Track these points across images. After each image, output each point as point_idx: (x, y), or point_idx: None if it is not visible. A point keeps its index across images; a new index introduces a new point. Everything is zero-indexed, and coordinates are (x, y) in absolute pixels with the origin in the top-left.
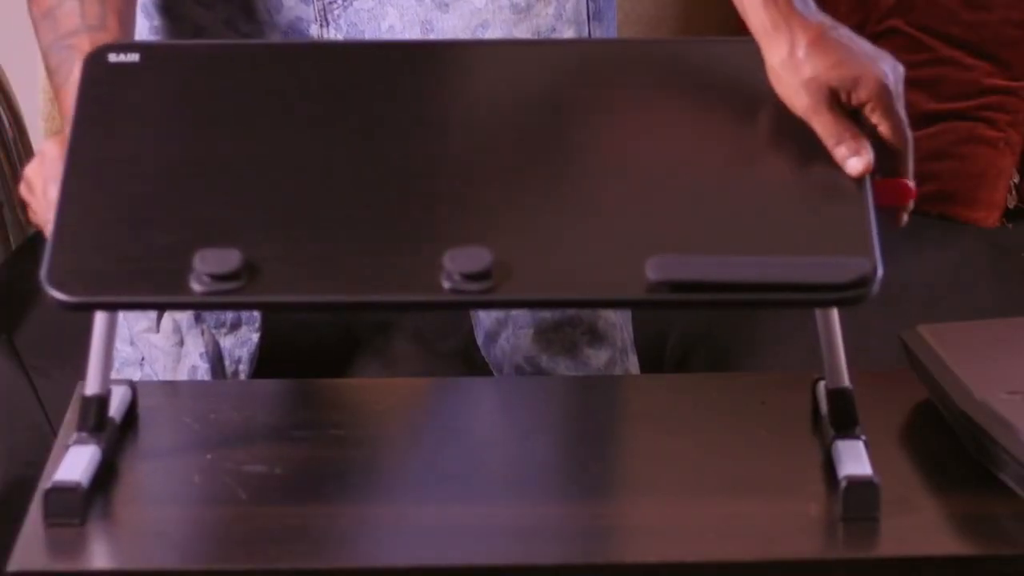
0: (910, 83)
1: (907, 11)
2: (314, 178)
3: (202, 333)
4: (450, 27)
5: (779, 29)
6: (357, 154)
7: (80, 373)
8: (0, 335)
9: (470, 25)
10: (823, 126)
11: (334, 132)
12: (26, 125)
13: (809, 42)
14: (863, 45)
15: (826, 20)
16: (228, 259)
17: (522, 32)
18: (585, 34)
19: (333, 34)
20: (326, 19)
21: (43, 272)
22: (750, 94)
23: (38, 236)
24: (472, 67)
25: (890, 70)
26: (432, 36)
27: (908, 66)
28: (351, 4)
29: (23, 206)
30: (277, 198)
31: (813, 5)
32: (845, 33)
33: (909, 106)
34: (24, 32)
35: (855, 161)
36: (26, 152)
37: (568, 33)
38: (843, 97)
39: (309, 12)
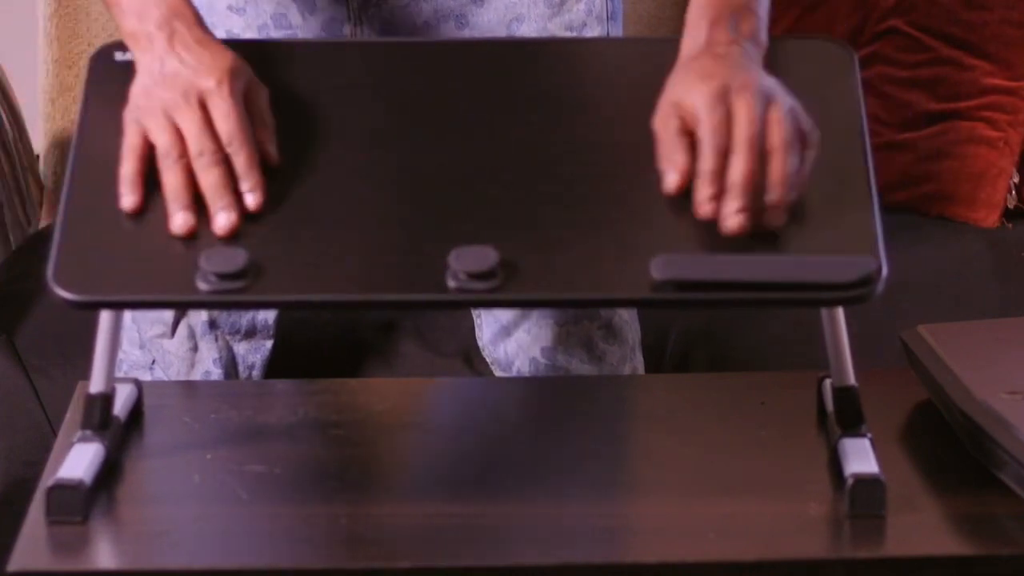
0: (910, 83)
1: (907, 11)
2: (320, 177)
3: (216, 339)
4: (485, 21)
5: (686, 36)
6: (363, 153)
7: (80, 373)
8: (0, 335)
9: (504, 19)
10: (658, 139)
11: (340, 131)
12: (26, 125)
13: (686, 58)
14: (732, 71)
15: (722, 39)
16: (234, 258)
17: (555, 27)
18: (606, 32)
19: (367, 32)
20: (360, 18)
21: (49, 271)
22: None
23: (39, 236)
24: (478, 66)
25: (714, 102)
26: (466, 31)
27: (908, 66)
28: (385, 1)
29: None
30: (283, 197)
31: (749, 22)
32: (730, 54)
33: (909, 106)
34: (24, 32)
35: (669, 177)
36: (26, 152)
37: (597, 29)
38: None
39: (342, 11)
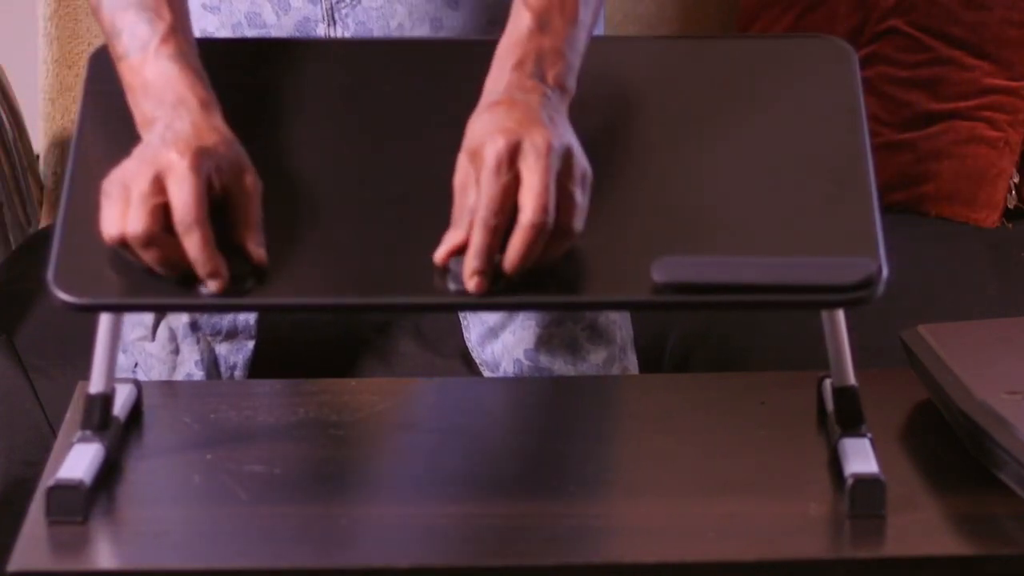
0: (910, 83)
1: (907, 11)
2: (319, 180)
3: (198, 341)
4: (460, 24)
5: (489, 78)
6: (361, 155)
7: (80, 373)
8: (0, 335)
9: (480, 22)
10: (454, 197)
11: (339, 133)
12: (26, 125)
13: (484, 104)
14: (528, 125)
15: (524, 86)
16: (233, 262)
17: None
18: None
19: (340, 33)
20: (333, 18)
21: (49, 273)
22: (755, 94)
23: (39, 236)
24: (477, 66)
25: (499, 167)
26: (442, 33)
27: (908, 66)
28: (359, 3)
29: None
30: (282, 200)
31: (556, 68)
32: (528, 102)
33: (909, 106)
34: (24, 32)
35: (441, 248)
36: (26, 152)
37: None
38: None
39: (317, 12)
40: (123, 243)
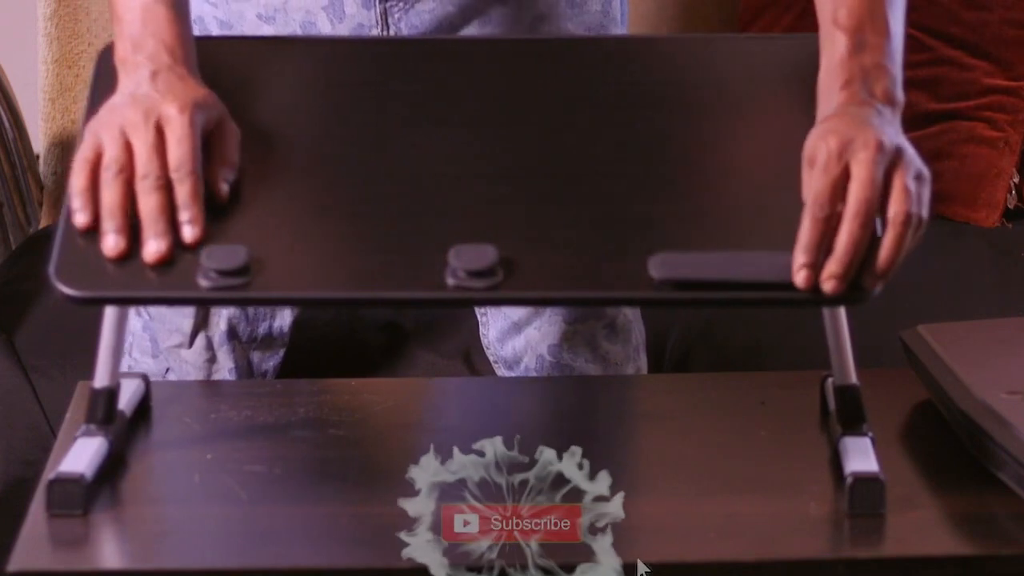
0: (910, 83)
1: (907, 11)
2: (321, 175)
3: (233, 349)
4: (506, 18)
5: (820, 103)
6: (363, 151)
7: (80, 373)
8: (0, 335)
9: (527, 17)
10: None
11: (340, 129)
12: (26, 125)
13: (818, 122)
14: (859, 128)
15: (854, 102)
16: (235, 255)
17: (575, 27)
18: (617, 31)
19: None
20: (387, 23)
21: (51, 267)
22: (757, 93)
23: (39, 236)
24: (480, 64)
25: (830, 161)
26: (489, 27)
27: (908, 66)
28: (412, 7)
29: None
30: (284, 194)
31: (882, 82)
32: (860, 114)
33: (909, 107)
34: (24, 32)
35: (797, 273)
36: (26, 152)
37: (612, 30)
38: None
39: (370, 17)
40: (93, 167)
